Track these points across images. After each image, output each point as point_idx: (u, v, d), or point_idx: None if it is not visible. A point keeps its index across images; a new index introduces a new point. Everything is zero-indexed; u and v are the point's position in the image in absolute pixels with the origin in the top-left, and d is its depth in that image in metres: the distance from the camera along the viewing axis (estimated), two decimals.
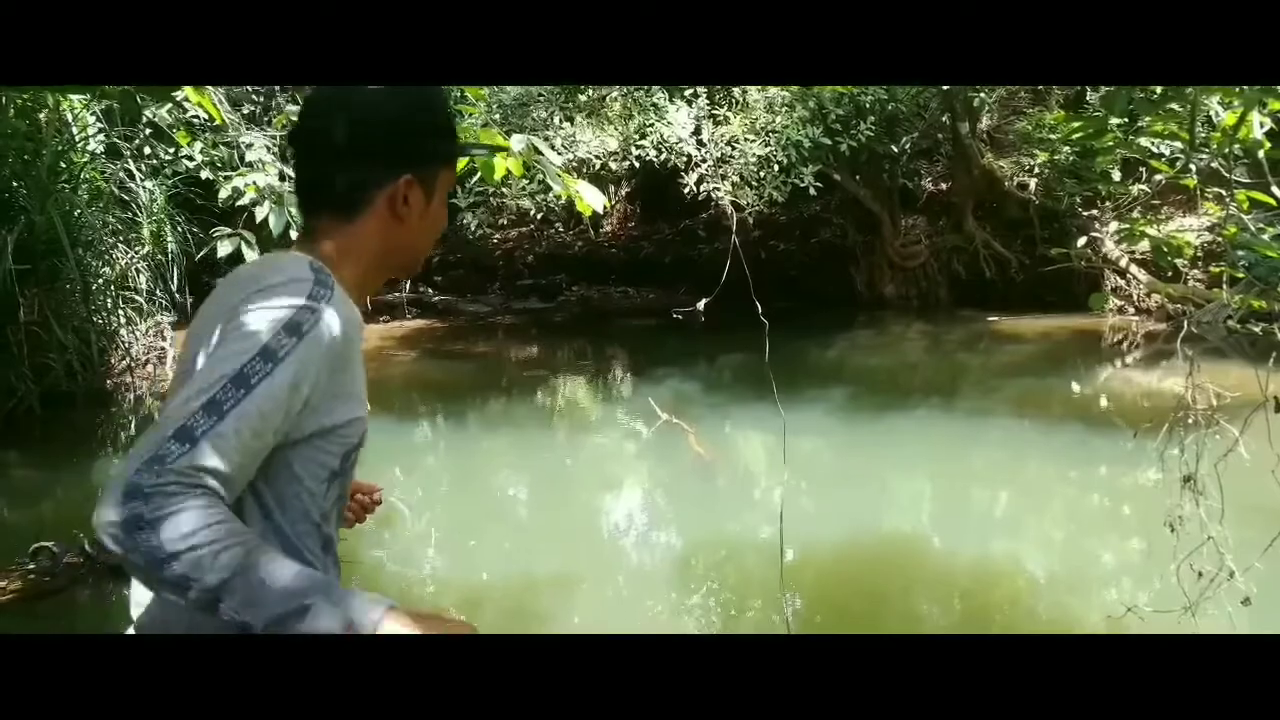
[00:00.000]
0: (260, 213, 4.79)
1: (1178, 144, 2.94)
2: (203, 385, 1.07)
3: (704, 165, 10.91)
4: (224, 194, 5.48)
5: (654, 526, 5.65)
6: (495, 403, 8.69)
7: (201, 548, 0.98)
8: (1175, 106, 2.90)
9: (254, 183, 4.88)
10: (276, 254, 1.32)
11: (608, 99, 11.26)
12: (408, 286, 13.17)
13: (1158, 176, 3.04)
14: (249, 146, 5.05)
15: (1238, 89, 2.55)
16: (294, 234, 4.17)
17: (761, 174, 10.75)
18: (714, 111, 11.05)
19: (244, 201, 5.01)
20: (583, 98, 11.23)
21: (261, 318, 1.12)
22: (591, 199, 3.18)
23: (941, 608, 4.30)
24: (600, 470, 6.71)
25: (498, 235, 14.92)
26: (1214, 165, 2.83)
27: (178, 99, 5.83)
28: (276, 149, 5.31)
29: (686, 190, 11.16)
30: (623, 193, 14.83)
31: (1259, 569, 2.85)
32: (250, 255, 4.47)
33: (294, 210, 4.37)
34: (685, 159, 10.93)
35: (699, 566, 4.86)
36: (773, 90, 10.48)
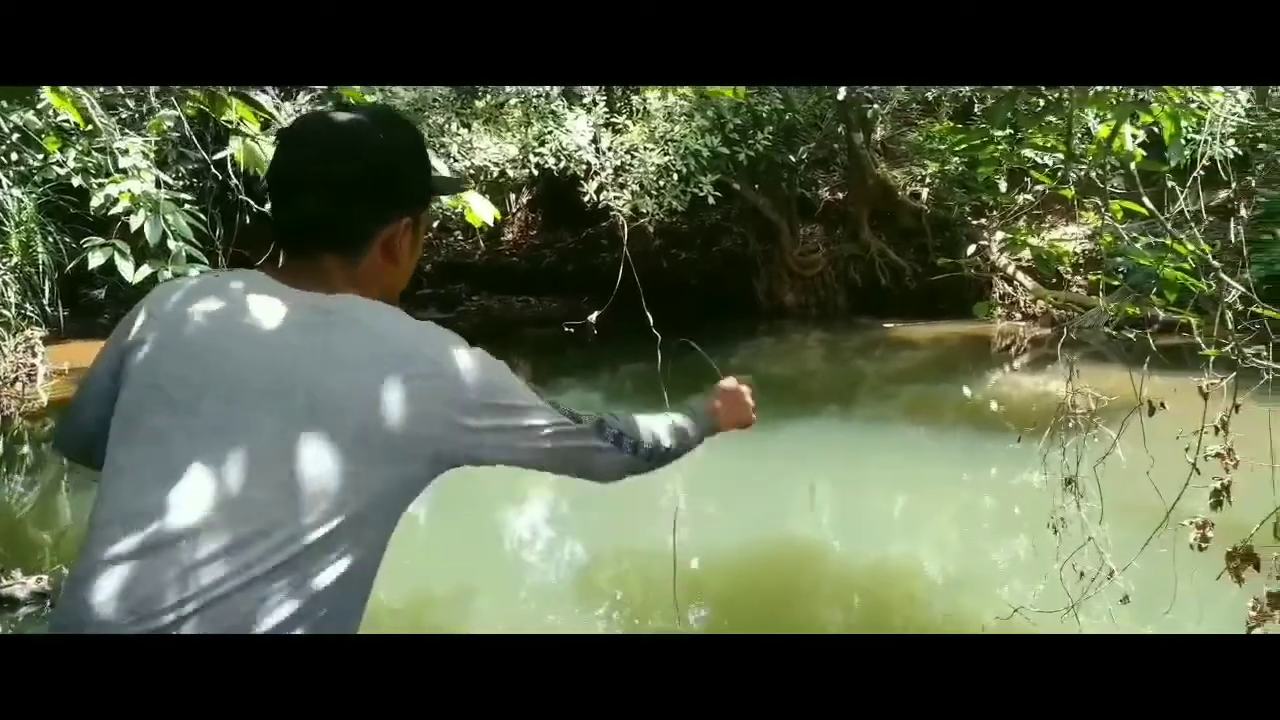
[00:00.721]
0: (135, 221, 4.56)
1: (1059, 155, 3.03)
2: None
3: (603, 174, 10.89)
4: (96, 202, 5.20)
5: (556, 539, 5.58)
6: None
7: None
8: (1054, 119, 2.99)
9: (129, 190, 4.63)
10: (374, 307, 1.26)
11: (506, 105, 11.14)
12: None
13: (1038, 186, 3.13)
14: (124, 152, 4.80)
15: (1113, 101, 2.63)
16: (173, 245, 3.97)
17: (661, 183, 10.79)
18: (612, 120, 11.05)
19: (118, 210, 4.76)
20: (480, 103, 11.09)
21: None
22: (481, 210, 3.11)
23: (842, 608, 4.35)
24: (500, 483, 6.59)
25: None
26: (1090, 175, 2.92)
27: (43, 103, 5.52)
28: (152, 154, 5.07)
29: (586, 199, 11.12)
30: (524, 200, 14.71)
31: (1137, 568, 2.94)
32: (125, 266, 4.22)
33: (170, 218, 4.15)
34: (584, 167, 10.90)
35: (600, 577, 4.81)
36: (671, 98, 10.53)
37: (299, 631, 1.10)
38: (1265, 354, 2.35)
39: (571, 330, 11.68)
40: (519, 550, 5.33)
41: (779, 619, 4.24)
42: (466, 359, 1.25)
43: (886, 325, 11.60)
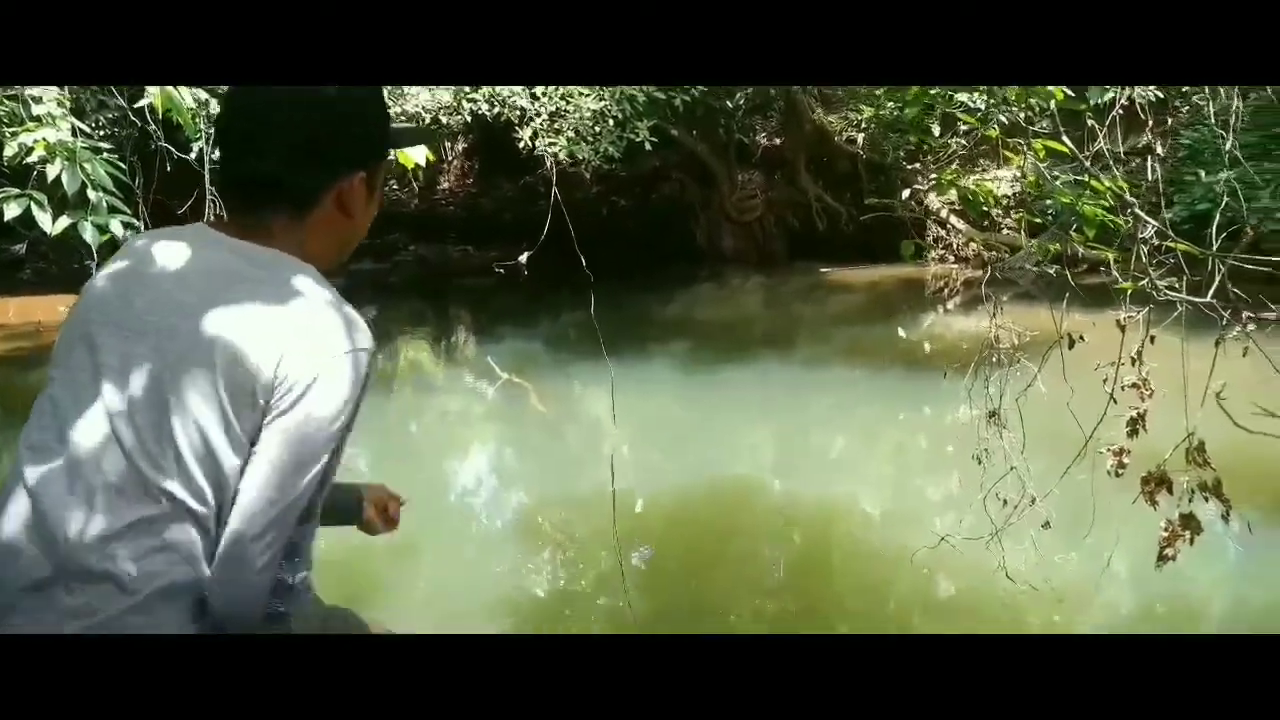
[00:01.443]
0: (52, 171, 4.42)
1: (987, 97, 3.09)
2: None
3: (538, 119, 10.75)
4: (10, 151, 5.02)
5: (498, 487, 5.61)
6: None
7: None
8: None
9: (43, 139, 4.48)
10: (284, 263, 1.24)
11: None
12: None
13: (964, 128, 3.18)
14: (37, 100, 4.62)
15: None
16: (92, 195, 3.84)
17: (597, 128, 10.69)
18: None
19: (33, 160, 4.60)
20: None
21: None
22: (412, 151, 3.06)
23: (782, 544, 4.46)
24: (443, 433, 6.59)
25: None
26: (1016, 116, 2.99)
27: None
28: (68, 102, 4.89)
29: (521, 145, 10.98)
30: (459, 148, 14.47)
31: (1057, 494, 3.06)
32: (43, 218, 4.09)
33: (88, 167, 4.03)
34: (519, 113, 10.74)
35: (544, 524, 4.86)
36: None
37: (174, 579, 1.14)
38: (1178, 287, 2.44)
39: (502, 270, 11.60)
40: (463, 499, 5.35)
41: (721, 556, 4.34)
42: (327, 392, 1.18)
43: (824, 270, 11.73)
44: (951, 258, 11.93)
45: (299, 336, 1.19)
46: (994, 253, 11.56)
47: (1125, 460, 2.92)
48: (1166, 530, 2.70)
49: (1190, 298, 2.39)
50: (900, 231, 12.06)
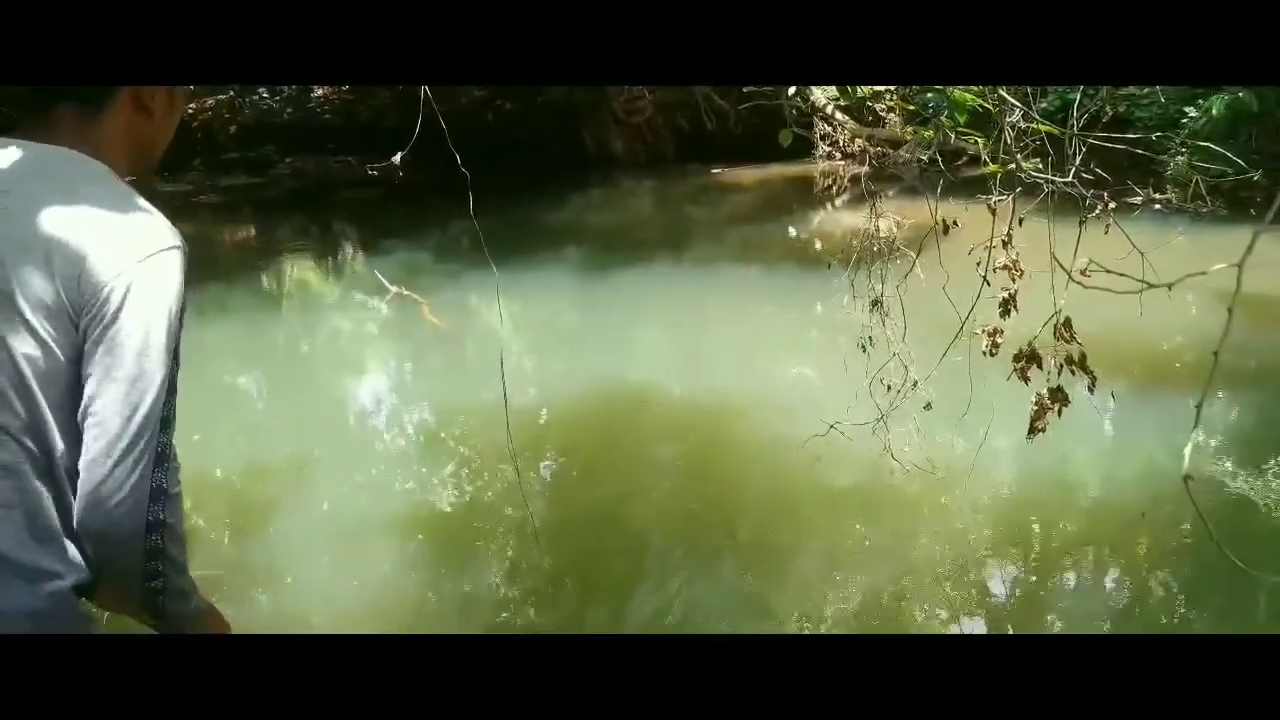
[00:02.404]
0: None
1: None
2: None
3: None
4: None
5: (392, 403, 5.53)
6: (211, 289, 8.03)
7: None
8: None
9: None
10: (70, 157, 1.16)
11: None
12: None
13: None
14: None
15: None
16: None
17: None
18: None
19: None
20: None
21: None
22: None
23: (679, 444, 4.53)
24: (333, 351, 6.44)
25: (192, 105, 13.52)
26: None
27: None
28: None
29: None
30: None
31: (937, 376, 3.18)
32: None
33: None
34: None
35: (445, 438, 4.83)
36: None
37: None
38: (1042, 168, 2.52)
39: (375, 173, 11.22)
40: (361, 419, 5.27)
41: (620, 460, 4.40)
42: (145, 297, 1.12)
43: (715, 170, 11.72)
44: (838, 155, 12.04)
45: (101, 243, 1.11)
46: (878, 149, 11.72)
47: (999, 340, 3.05)
48: (1036, 404, 2.84)
49: (1052, 178, 2.46)
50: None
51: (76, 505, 1.10)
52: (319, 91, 13.92)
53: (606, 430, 4.71)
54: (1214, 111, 7.88)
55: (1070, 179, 2.45)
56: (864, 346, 3.24)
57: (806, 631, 3.12)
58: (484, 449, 4.62)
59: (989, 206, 2.84)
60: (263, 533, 3.83)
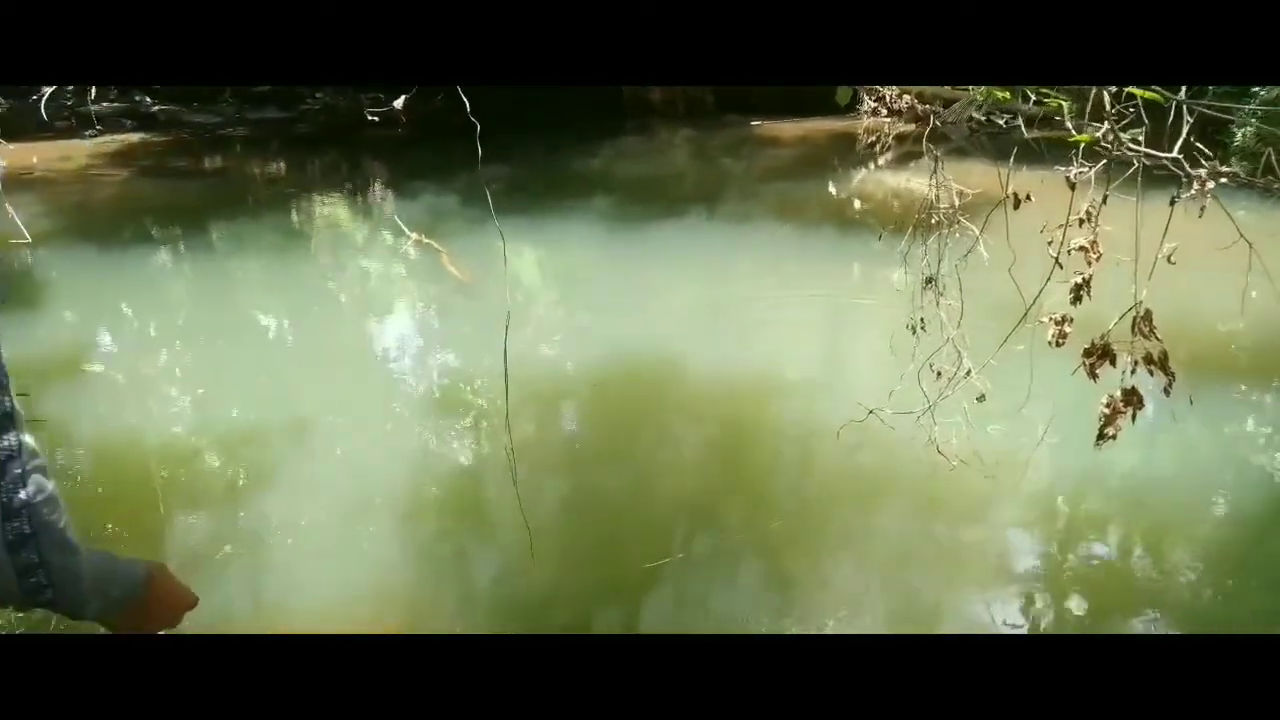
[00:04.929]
0: None
1: None
2: None
3: None
4: None
5: (407, 357, 5.30)
6: (233, 225, 7.82)
7: None
8: None
9: None
10: None
11: None
12: (116, 94, 11.51)
13: None
14: None
15: None
16: None
17: None
18: None
19: None
20: None
21: None
22: None
23: (703, 423, 4.26)
24: (347, 299, 6.20)
25: None
26: None
27: None
28: None
29: None
30: None
31: (994, 365, 2.89)
32: None
33: None
34: None
35: (446, 400, 4.59)
36: None
37: None
38: (1141, 141, 2.19)
39: (376, 119, 10.90)
40: (367, 372, 5.03)
41: (641, 436, 4.14)
42: None
43: (754, 123, 11.29)
44: (884, 111, 11.56)
45: None
46: (928, 106, 11.23)
47: (1067, 329, 2.74)
48: (1108, 406, 2.54)
49: (1153, 152, 2.14)
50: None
51: None
52: None
53: (626, 402, 4.44)
54: None
55: (1177, 153, 2.12)
56: (914, 329, 2.94)
57: (812, 632, 2.87)
58: (488, 416, 4.38)
59: (1068, 180, 2.51)
60: (277, 487, 3.64)
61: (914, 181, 8.57)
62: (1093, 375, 2.62)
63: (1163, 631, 2.86)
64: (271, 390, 4.60)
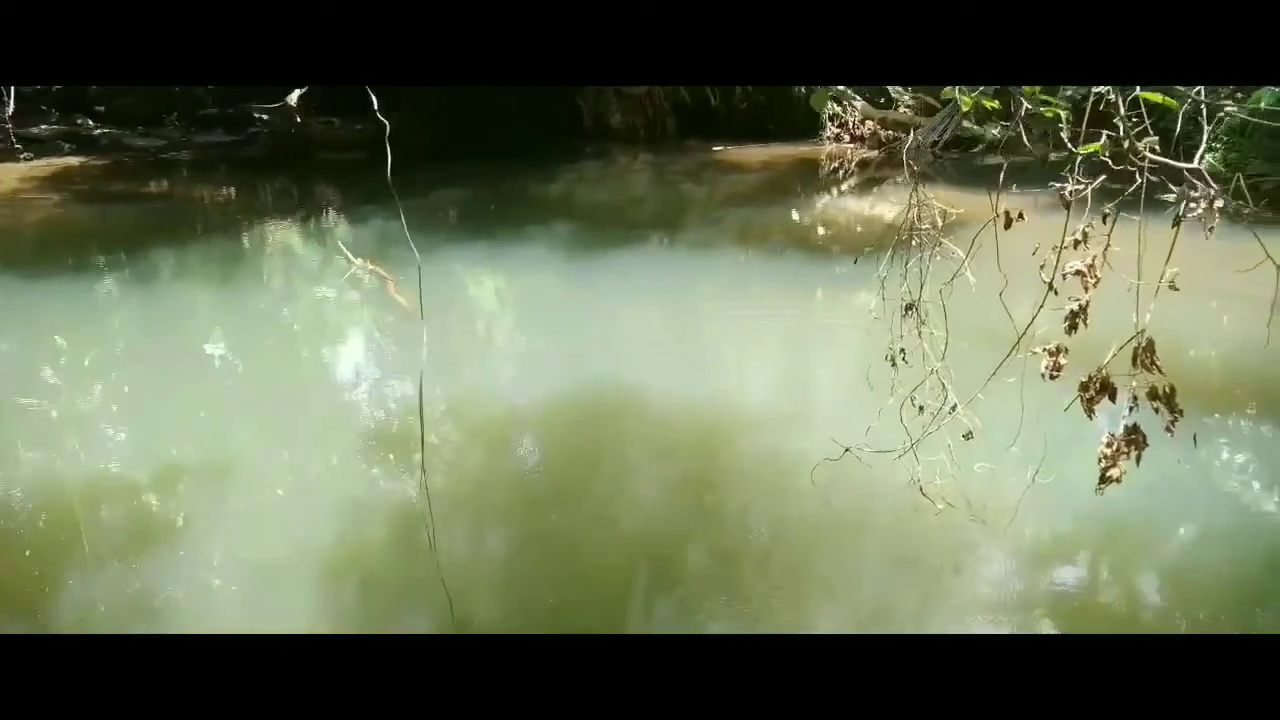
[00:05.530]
0: None
1: None
2: None
3: None
4: None
5: (340, 390, 4.96)
6: (174, 253, 7.42)
7: None
8: None
9: None
10: None
11: None
12: (57, 117, 11.10)
13: None
14: None
15: None
16: None
17: None
18: None
19: None
20: None
21: None
22: None
23: (666, 460, 3.98)
24: (291, 329, 5.86)
25: None
26: None
27: None
28: None
29: None
30: None
31: (981, 400, 2.65)
32: None
33: None
34: None
35: (380, 430, 4.27)
36: None
37: None
38: (1158, 150, 1.97)
39: (264, 117, 10.60)
40: (304, 403, 4.69)
41: (598, 474, 3.86)
42: None
43: (716, 148, 11.13)
44: (847, 137, 11.46)
45: None
46: (889, 132, 11.14)
47: (1062, 361, 2.51)
48: (1109, 446, 2.31)
49: (1173, 162, 1.92)
50: (794, 107, 11.57)
51: None
52: None
53: (584, 437, 4.14)
54: (1263, 103, 7.33)
55: (1197, 164, 1.90)
56: (894, 359, 2.69)
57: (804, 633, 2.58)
58: (416, 450, 4.06)
59: (1062, 196, 2.28)
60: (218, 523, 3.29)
61: (879, 207, 8.42)
62: (1089, 412, 2.39)
63: (1163, 632, 2.65)
64: (203, 424, 4.25)
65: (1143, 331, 2.29)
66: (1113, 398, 2.32)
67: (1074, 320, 2.45)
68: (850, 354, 4.96)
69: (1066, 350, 2.47)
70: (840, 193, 9.76)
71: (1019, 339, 2.43)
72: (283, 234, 8.10)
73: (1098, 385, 2.32)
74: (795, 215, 8.51)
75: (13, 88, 11.48)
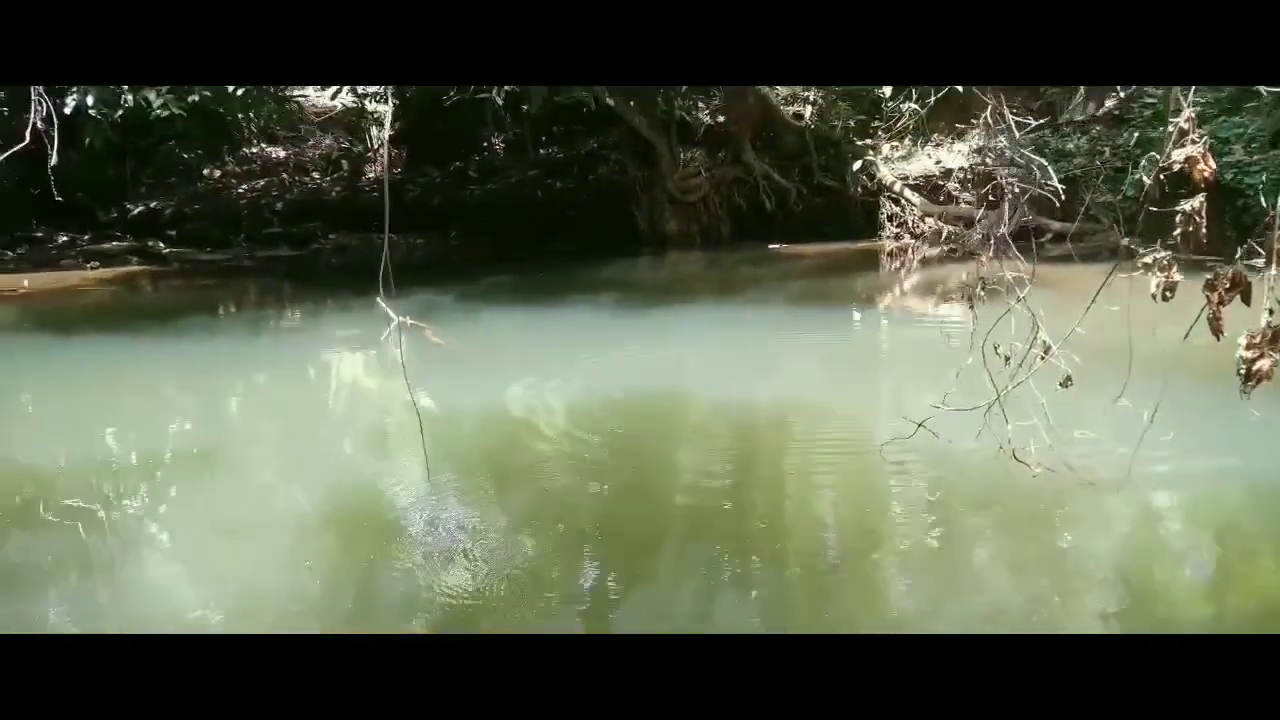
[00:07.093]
0: None
1: None
2: None
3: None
4: None
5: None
6: (230, 346, 7.35)
7: None
8: None
9: None
10: None
11: None
12: (131, 236, 11.51)
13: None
14: None
15: None
16: None
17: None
18: None
19: None
20: None
21: None
22: None
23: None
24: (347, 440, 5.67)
25: (244, 185, 13.38)
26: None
27: None
28: None
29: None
30: (386, 135, 13.61)
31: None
32: None
33: None
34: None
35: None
36: None
37: None
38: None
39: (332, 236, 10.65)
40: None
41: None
42: None
43: (772, 246, 10.97)
44: (907, 234, 11.23)
45: None
46: (952, 227, 10.89)
47: (1175, 277, 2.11)
48: (1249, 348, 1.88)
49: None
50: (850, 208, 11.45)
51: None
52: (370, 173, 13.72)
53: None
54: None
55: None
56: (971, 300, 2.32)
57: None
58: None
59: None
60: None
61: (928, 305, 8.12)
62: (1217, 331, 1.97)
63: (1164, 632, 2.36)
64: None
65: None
66: (1246, 298, 1.92)
67: (1191, 221, 2.06)
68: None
69: (1176, 266, 2.08)
70: (901, 292, 9.48)
71: (1107, 277, 2.05)
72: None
73: (1227, 282, 1.91)
74: (856, 315, 8.11)
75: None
